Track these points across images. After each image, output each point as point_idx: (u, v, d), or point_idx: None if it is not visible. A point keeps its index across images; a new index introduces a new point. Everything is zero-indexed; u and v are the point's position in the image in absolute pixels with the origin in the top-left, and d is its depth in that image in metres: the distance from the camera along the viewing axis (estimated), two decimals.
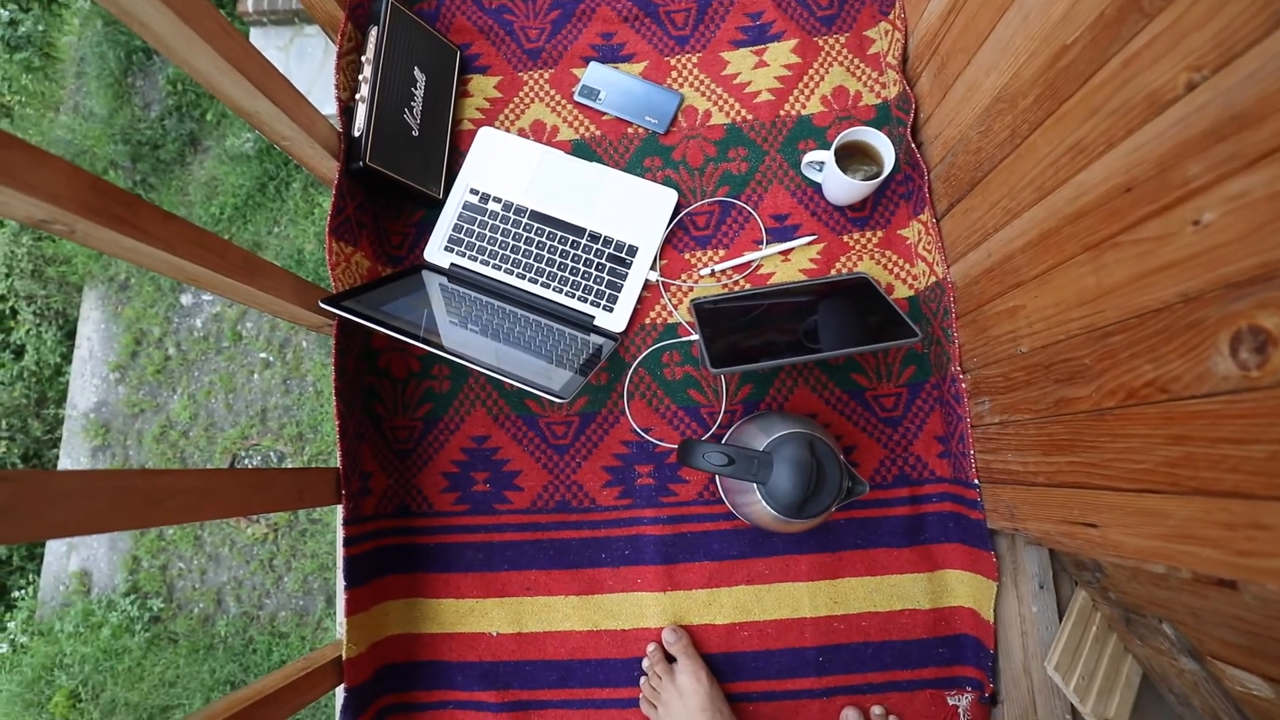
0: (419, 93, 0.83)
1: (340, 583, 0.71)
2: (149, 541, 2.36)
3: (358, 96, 0.78)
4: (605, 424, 0.82)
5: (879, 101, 0.86)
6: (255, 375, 2.40)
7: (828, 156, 0.78)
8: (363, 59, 0.79)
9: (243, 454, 2.34)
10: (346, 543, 0.71)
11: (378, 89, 0.78)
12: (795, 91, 0.87)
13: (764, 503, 0.65)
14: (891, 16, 0.85)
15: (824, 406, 0.81)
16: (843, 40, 0.88)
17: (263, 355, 2.40)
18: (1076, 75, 0.52)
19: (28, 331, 2.49)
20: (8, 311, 2.49)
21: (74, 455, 2.47)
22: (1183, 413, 0.44)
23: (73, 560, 2.40)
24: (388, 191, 0.83)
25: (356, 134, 0.77)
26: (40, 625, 2.35)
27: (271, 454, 2.30)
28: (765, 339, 0.74)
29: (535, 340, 0.78)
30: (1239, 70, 0.38)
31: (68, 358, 2.51)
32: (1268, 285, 0.37)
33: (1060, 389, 0.57)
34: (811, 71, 0.87)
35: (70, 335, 2.54)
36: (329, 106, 0.83)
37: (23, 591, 2.41)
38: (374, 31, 0.79)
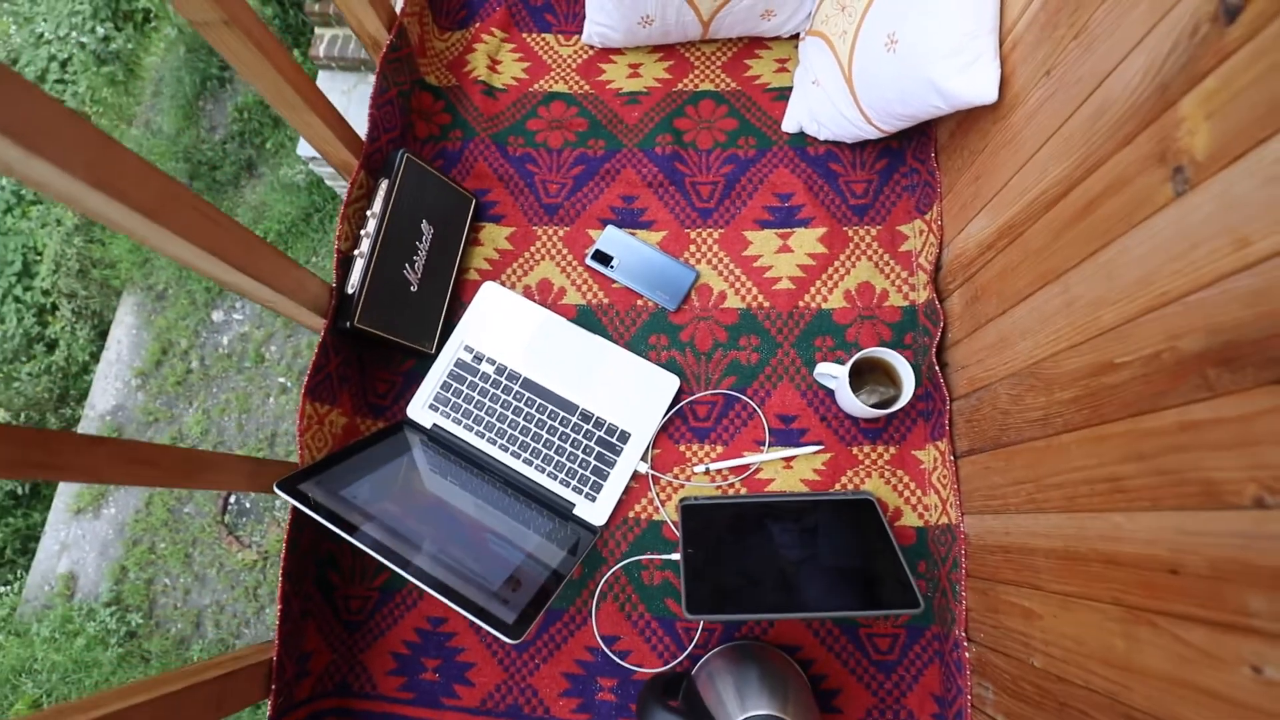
0: (424, 246, 0.80)
1: None
2: (140, 553, 2.33)
3: (356, 252, 0.75)
4: (571, 624, 0.75)
5: (906, 304, 0.81)
6: (271, 399, 2.39)
7: (841, 373, 0.72)
8: (368, 213, 0.77)
9: None
10: None
11: (379, 246, 0.75)
12: (818, 282, 0.82)
13: None
14: (928, 218, 0.80)
15: (811, 639, 0.73)
16: (874, 233, 0.83)
17: (281, 380, 2.39)
18: (1123, 404, 0.45)
19: (63, 328, 2.54)
20: (49, 306, 2.55)
21: None
22: None
23: (63, 561, 2.37)
24: (378, 345, 0.79)
25: (350, 291, 0.74)
26: (18, 624, 2.30)
27: None
28: (754, 563, 0.67)
29: (505, 528, 0.72)
30: None
31: (96, 358, 2.53)
32: None
33: None
34: (838, 263, 0.82)
35: (102, 336, 2.57)
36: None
37: (9, 586, 2.37)
38: (384, 186, 0.77)
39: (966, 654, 0.66)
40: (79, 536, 2.44)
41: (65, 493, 2.42)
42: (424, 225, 0.80)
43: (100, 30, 2.70)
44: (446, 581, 0.60)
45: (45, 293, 2.56)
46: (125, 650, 2.23)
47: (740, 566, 0.68)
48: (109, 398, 2.54)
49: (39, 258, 2.58)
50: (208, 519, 2.29)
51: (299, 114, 0.70)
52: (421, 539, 0.66)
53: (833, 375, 0.74)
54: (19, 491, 2.50)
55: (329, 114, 0.73)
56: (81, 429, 2.45)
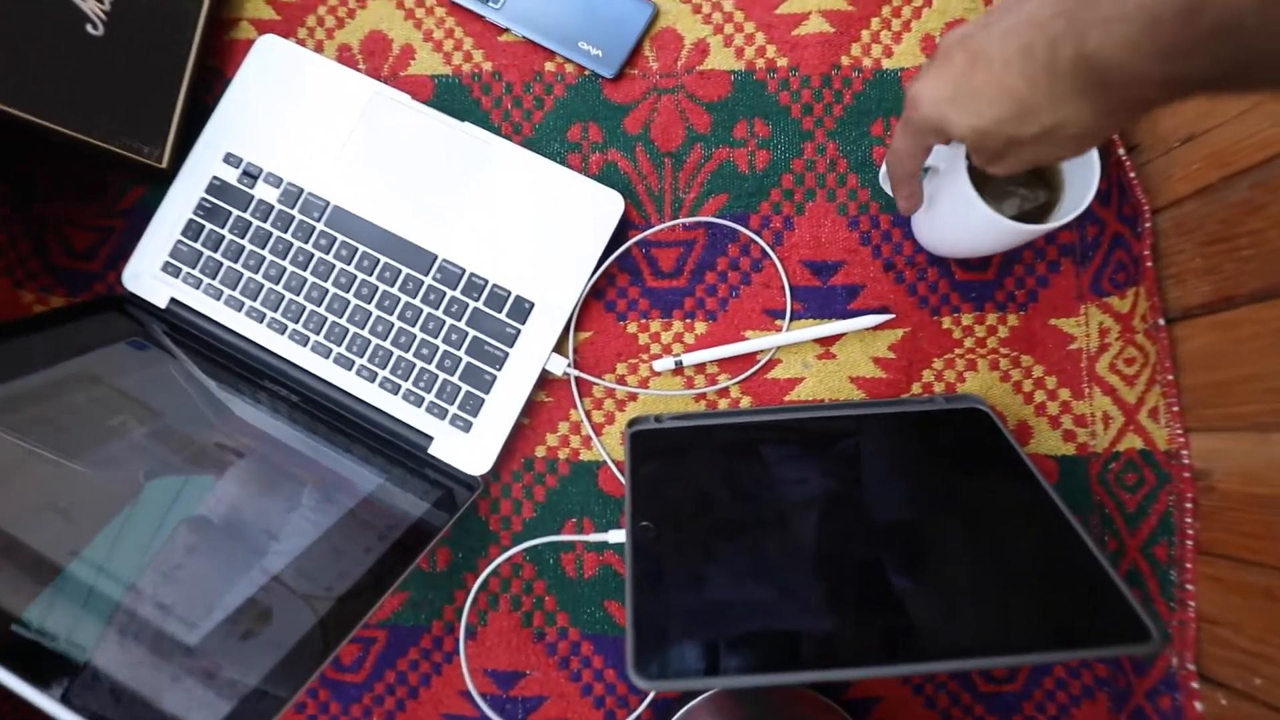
0: None
1: None
2: None
3: None
4: (435, 651, 0.42)
5: None
6: None
7: (952, 159, 0.36)
8: None
9: None
10: None
11: None
12: (875, 21, 0.44)
13: None
14: None
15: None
16: None
17: None
18: None
19: None
20: None
21: None
22: None
23: None
24: (48, 151, 0.41)
25: None
26: None
27: None
28: (771, 547, 0.33)
29: (280, 499, 0.37)
30: None
31: None
32: None
33: None
34: None
35: None
36: None
37: None
38: None
39: (1197, 704, 0.33)
40: None
41: None
42: None
43: None
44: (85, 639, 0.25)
45: None
46: None
47: (744, 555, 0.33)
48: None
49: None
50: None
51: None
52: (67, 544, 0.30)
53: (924, 166, 0.38)
54: None
55: None
56: None
